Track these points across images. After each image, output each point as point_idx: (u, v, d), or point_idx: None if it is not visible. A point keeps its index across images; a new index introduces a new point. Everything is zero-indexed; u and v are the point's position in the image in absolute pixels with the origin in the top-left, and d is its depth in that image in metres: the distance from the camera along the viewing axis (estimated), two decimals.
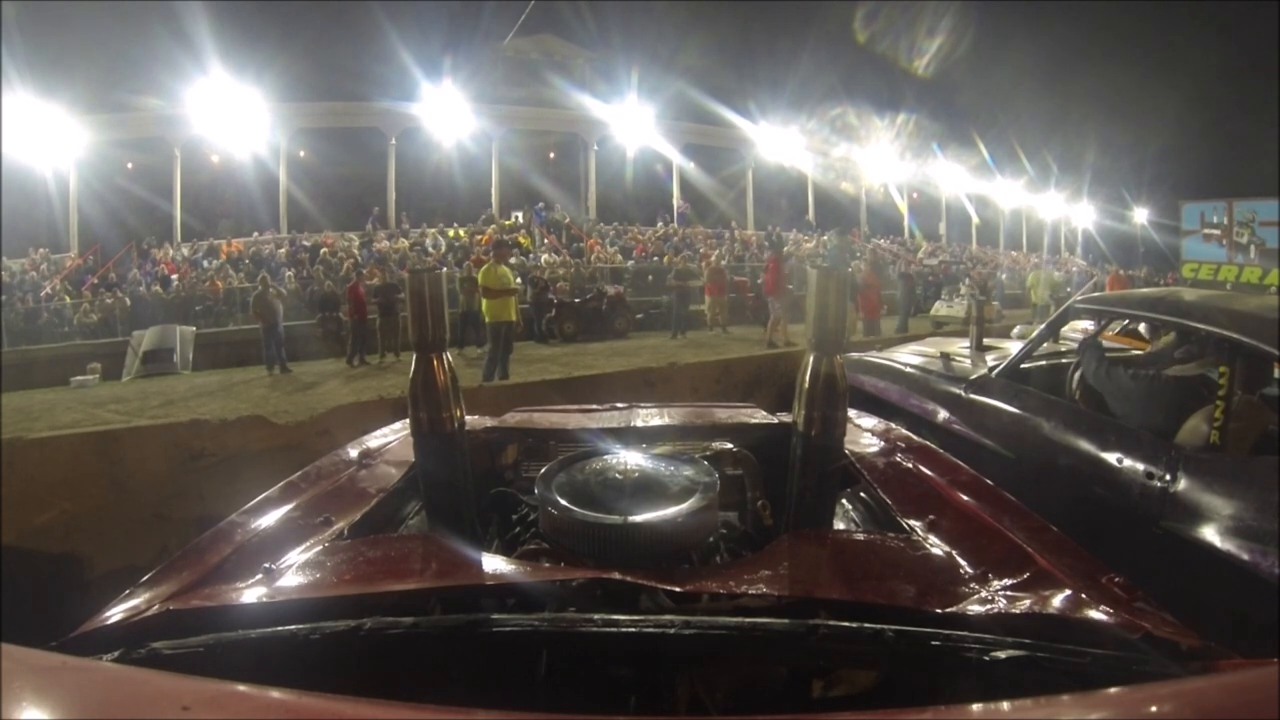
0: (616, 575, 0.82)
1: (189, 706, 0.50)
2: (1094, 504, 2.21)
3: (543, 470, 1.10)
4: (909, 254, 22.24)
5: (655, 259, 17.20)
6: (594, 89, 21.00)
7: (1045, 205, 28.56)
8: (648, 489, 1.04)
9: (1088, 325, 3.45)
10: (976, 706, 0.54)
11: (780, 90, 21.93)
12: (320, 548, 1.00)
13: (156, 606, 0.85)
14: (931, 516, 1.11)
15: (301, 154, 18.96)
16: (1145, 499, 2.06)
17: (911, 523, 1.10)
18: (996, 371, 2.92)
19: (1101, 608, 0.80)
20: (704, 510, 0.99)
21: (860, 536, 1.17)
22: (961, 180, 26.18)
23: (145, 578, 0.97)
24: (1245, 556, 1.75)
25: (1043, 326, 3.11)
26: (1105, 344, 2.88)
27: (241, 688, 0.52)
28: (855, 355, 3.86)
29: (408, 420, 1.17)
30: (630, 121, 20.59)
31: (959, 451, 1.68)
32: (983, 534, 1.05)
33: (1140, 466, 2.11)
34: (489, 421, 1.64)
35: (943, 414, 3.01)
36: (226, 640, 0.72)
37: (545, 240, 18.41)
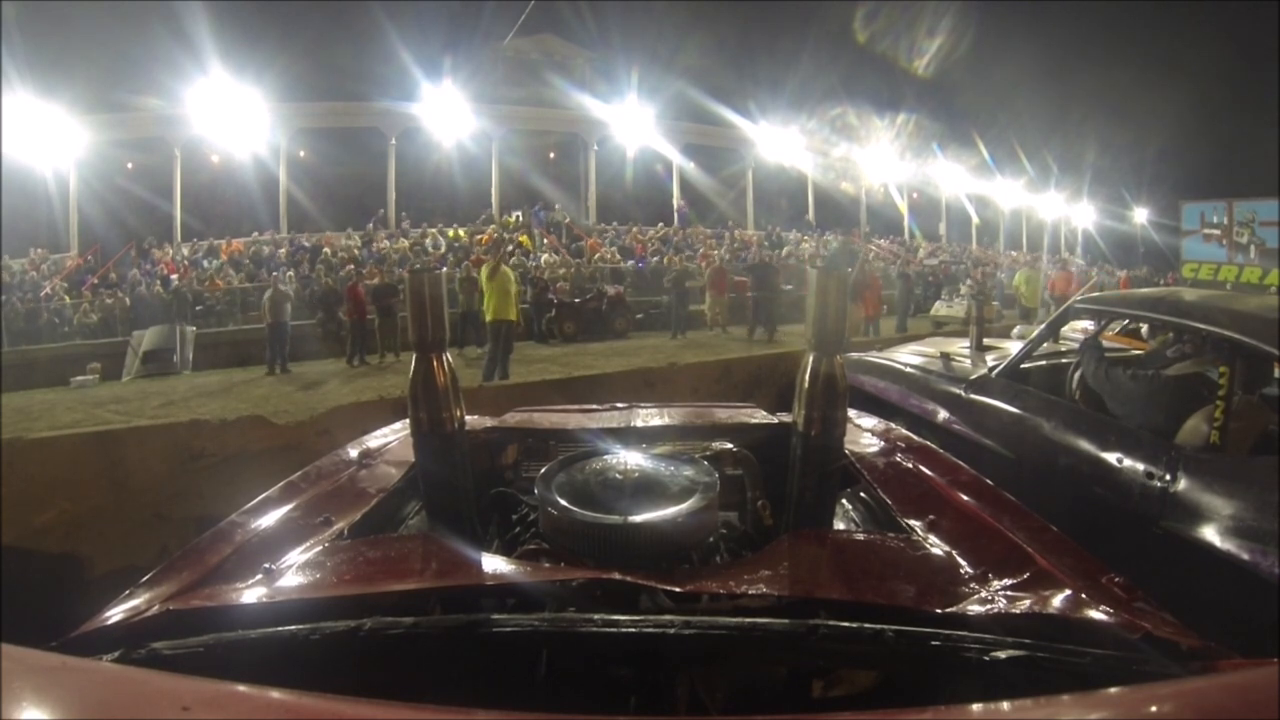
0: (616, 575, 0.82)
1: (189, 706, 0.50)
2: (1094, 504, 2.21)
3: (543, 470, 1.10)
4: (909, 254, 22.24)
5: (655, 259, 17.19)
6: (594, 89, 20.99)
7: (1045, 205, 28.54)
8: (648, 489, 1.04)
9: (1088, 325, 3.45)
10: (976, 706, 0.54)
11: (780, 90, 21.94)
12: (320, 548, 1.00)
13: (156, 606, 0.85)
14: (931, 516, 1.11)
15: (301, 154, 18.95)
16: (1145, 499, 2.06)
17: (911, 523, 1.10)
18: (996, 371, 2.92)
19: (1101, 608, 0.80)
20: (704, 510, 0.99)
21: (860, 536, 1.17)
22: (961, 180, 26.16)
23: (145, 578, 0.97)
24: (1245, 556, 1.75)
25: (1043, 326, 3.11)
26: (1105, 344, 2.88)
27: (241, 688, 0.52)
28: (855, 355, 3.86)
29: (408, 420, 1.17)
30: (630, 121, 20.58)
31: (959, 451, 1.68)
32: (983, 534, 1.05)
33: (1140, 466, 2.11)
34: (489, 421, 1.63)
35: (943, 414, 3.01)
36: (226, 640, 0.72)
37: (545, 240, 18.40)
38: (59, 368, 10.36)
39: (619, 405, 1.86)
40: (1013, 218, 28.64)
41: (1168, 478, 2.02)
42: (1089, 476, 2.28)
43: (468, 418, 1.20)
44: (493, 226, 18.55)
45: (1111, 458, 2.23)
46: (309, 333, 10.90)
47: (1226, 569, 1.78)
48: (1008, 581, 0.87)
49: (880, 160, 23.86)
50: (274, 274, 12.44)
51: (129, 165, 17.53)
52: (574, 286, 13.77)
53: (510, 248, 15.80)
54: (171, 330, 11.40)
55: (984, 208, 27.45)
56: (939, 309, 13.44)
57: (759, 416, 1.66)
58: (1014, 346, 3.34)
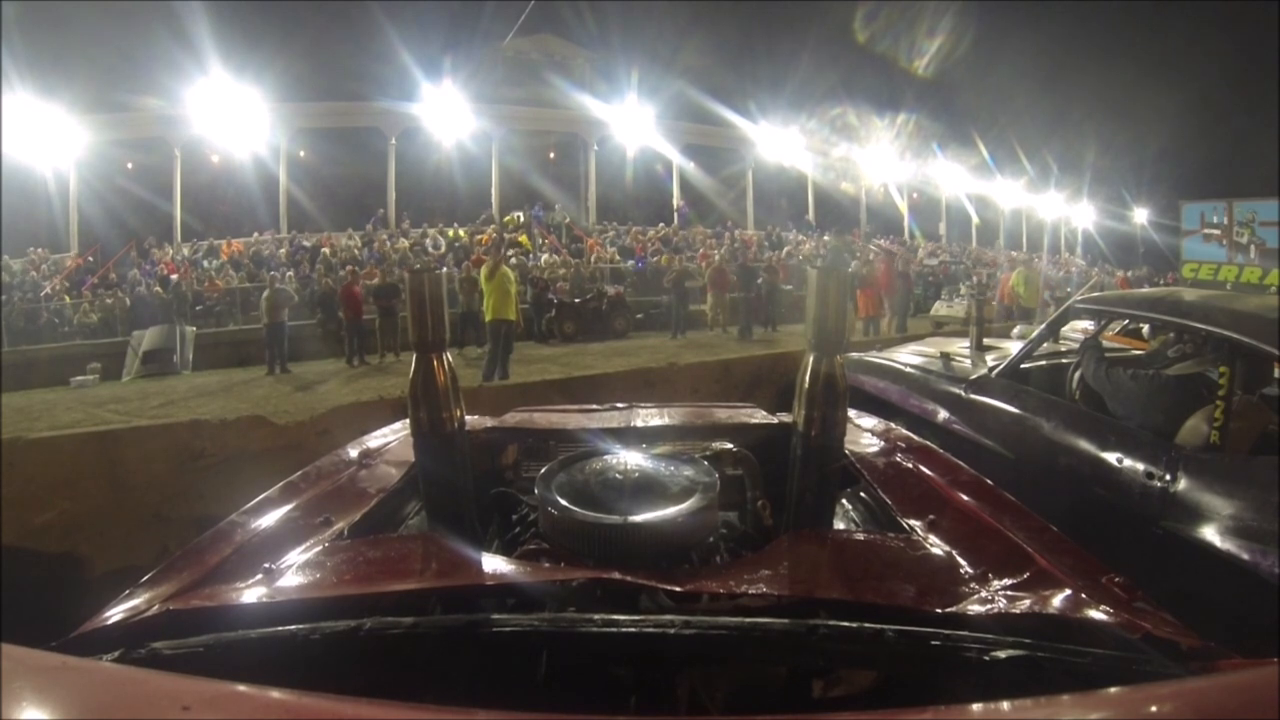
0: (616, 575, 0.82)
1: (189, 706, 0.50)
2: (1094, 504, 2.21)
3: (543, 470, 1.10)
4: (909, 254, 22.25)
5: (655, 259, 17.19)
6: (594, 89, 20.98)
7: (1045, 205, 28.54)
8: (648, 489, 1.04)
9: (1088, 325, 3.45)
10: (976, 706, 0.54)
11: (780, 90, 21.92)
12: (320, 548, 1.00)
13: (156, 606, 0.85)
14: (931, 516, 1.11)
15: (301, 154, 18.94)
16: (1145, 499, 2.06)
17: (911, 523, 1.10)
18: (996, 371, 2.92)
19: (1101, 608, 0.80)
20: (704, 510, 0.98)
21: (860, 536, 1.17)
22: (961, 180, 26.16)
23: (145, 578, 0.97)
24: (1245, 556, 1.75)
25: (1043, 326, 3.11)
26: (1105, 344, 2.88)
27: (241, 688, 0.52)
28: (855, 355, 3.87)
29: (408, 420, 1.17)
30: (630, 121, 20.57)
31: (959, 451, 1.68)
32: (983, 534, 1.05)
33: (1140, 466, 2.11)
34: (489, 421, 1.64)
35: (943, 414, 3.01)
36: (226, 640, 0.72)
37: (545, 240, 18.41)
38: (59, 368, 10.37)
39: (619, 405, 1.86)
40: (1013, 218, 28.62)
41: (1168, 478, 2.02)
42: (1089, 476, 2.28)
43: (468, 418, 1.20)
44: (493, 226, 18.53)
45: (1111, 458, 2.23)
46: (309, 333, 10.90)
47: (1226, 569, 1.78)
48: (1008, 581, 0.87)
49: (880, 160, 23.85)
50: (272, 274, 12.45)
51: (129, 165, 17.52)
52: (574, 286, 13.77)
53: (509, 251, 15.80)
54: (171, 330, 11.41)
55: (984, 208, 27.44)
56: (939, 309, 13.45)
57: (759, 416, 1.66)
58: (1014, 346, 3.34)
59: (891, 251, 13.43)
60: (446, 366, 1.12)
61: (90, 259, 15.74)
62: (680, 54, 21.39)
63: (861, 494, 1.35)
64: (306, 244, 16.83)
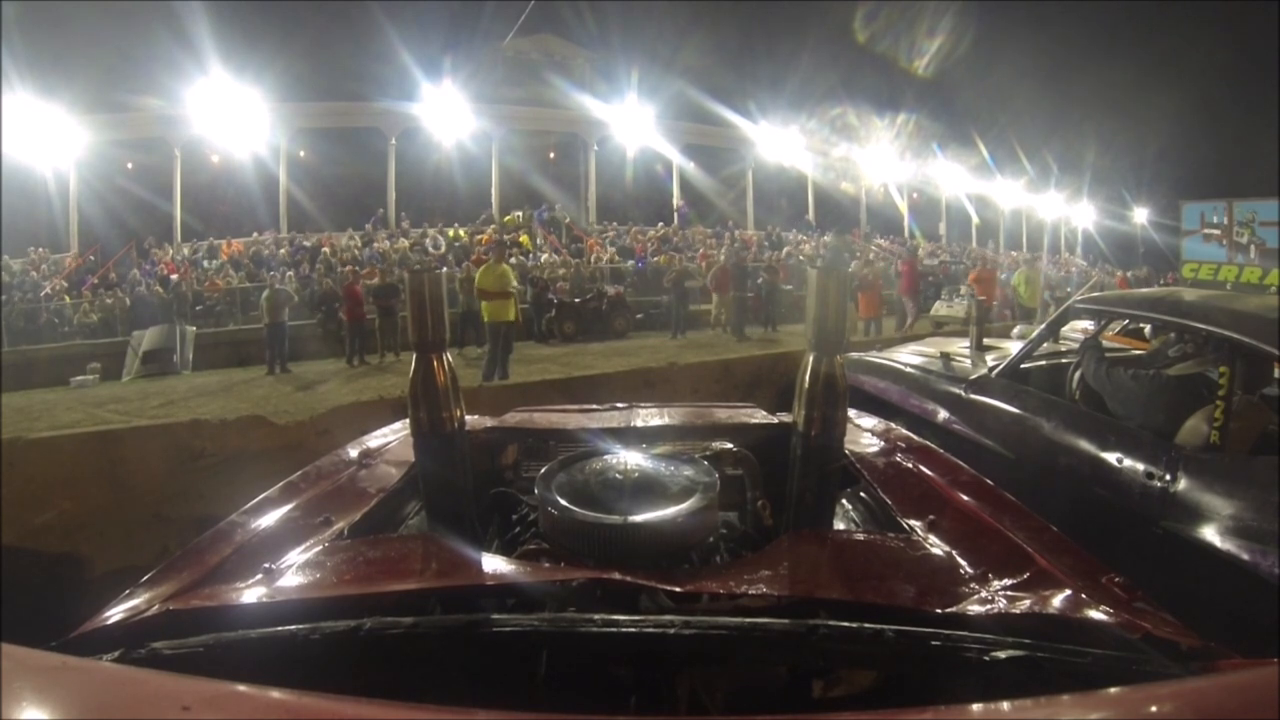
0: (616, 575, 0.82)
1: (189, 706, 0.50)
2: (1094, 504, 2.21)
3: (543, 470, 1.10)
4: (909, 254, 22.23)
5: (654, 259, 17.19)
6: (594, 89, 20.98)
7: (1045, 205, 28.54)
8: (648, 489, 1.04)
9: (1088, 325, 3.45)
10: (976, 706, 0.54)
11: (780, 90, 21.92)
12: (320, 548, 1.00)
13: (156, 606, 0.85)
14: (931, 516, 1.11)
15: (301, 154, 18.94)
16: (1145, 499, 2.06)
17: (911, 523, 1.10)
18: (996, 371, 2.92)
19: (1101, 608, 0.80)
20: (704, 510, 0.99)
21: (860, 536, 1.17)
22: (961, 180, 26.15)
23: (145, 578, 0.97)
24: (1245, 556, 1.75)
25: (1042, 327, 3.11)
26: (1105, 344, 2.88)
27: (241, 688, 0.53)
28: (855, 355, 3.87)
29: (408, 420, 1.18)
30: (630, 121, 20.57)
31: (959, 451, 1.68)
32: (983, 534, 1.05)
33: (1140, 466, 2.11)
34: (489, 421, 1.64)
35: (943, 414, 3.01)
36: (226, 640, 0.72)
37: (545, 240, 18.41)
38: (59, 368, 10.37)
39: (619, 405, 1.86)
40: (1013, 218, 28.61)
41: (1168, 478, 2.02)
42: (1089, 476, 2.28)
43: (468, 418, 1.20)
44: (493, 227, 18.53)
45: (1111, 458, 2.23)
46: (309, 333, 10.90)
47: (1226, 569, 1.78)
48: (1008, 581, 0.87)
49: (880, 160, 23.85)
50: (272, 274, 12.47)
51: (129, 165, 17.52)
52: (574, 286, 13.77)
53: (510, 251, 15.80)
54: (171, 330, 11.40)
55: (984, 208, 27.43)
56: (939, 309, 13.44)
57: (759, 416, 1.66)
58: (1014, 346, 3.34)
59: (914, 251, 13.42)
60: (446, 366, 1.12)
61: (90, 259, 15.74)
62: (680, 54, 21.39)
63: (861, 494, 1.35)
64: (306, 244, 16.83)
